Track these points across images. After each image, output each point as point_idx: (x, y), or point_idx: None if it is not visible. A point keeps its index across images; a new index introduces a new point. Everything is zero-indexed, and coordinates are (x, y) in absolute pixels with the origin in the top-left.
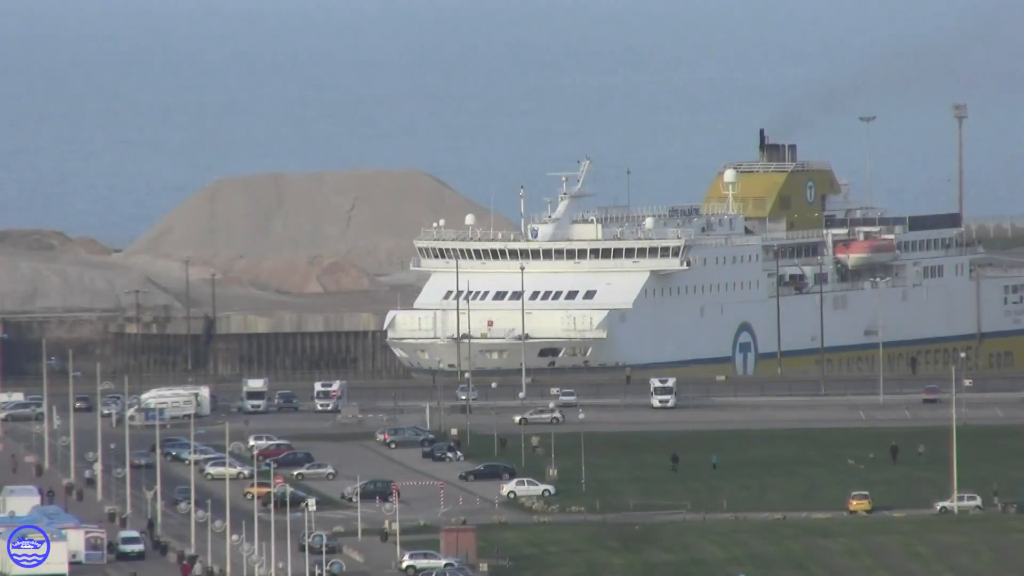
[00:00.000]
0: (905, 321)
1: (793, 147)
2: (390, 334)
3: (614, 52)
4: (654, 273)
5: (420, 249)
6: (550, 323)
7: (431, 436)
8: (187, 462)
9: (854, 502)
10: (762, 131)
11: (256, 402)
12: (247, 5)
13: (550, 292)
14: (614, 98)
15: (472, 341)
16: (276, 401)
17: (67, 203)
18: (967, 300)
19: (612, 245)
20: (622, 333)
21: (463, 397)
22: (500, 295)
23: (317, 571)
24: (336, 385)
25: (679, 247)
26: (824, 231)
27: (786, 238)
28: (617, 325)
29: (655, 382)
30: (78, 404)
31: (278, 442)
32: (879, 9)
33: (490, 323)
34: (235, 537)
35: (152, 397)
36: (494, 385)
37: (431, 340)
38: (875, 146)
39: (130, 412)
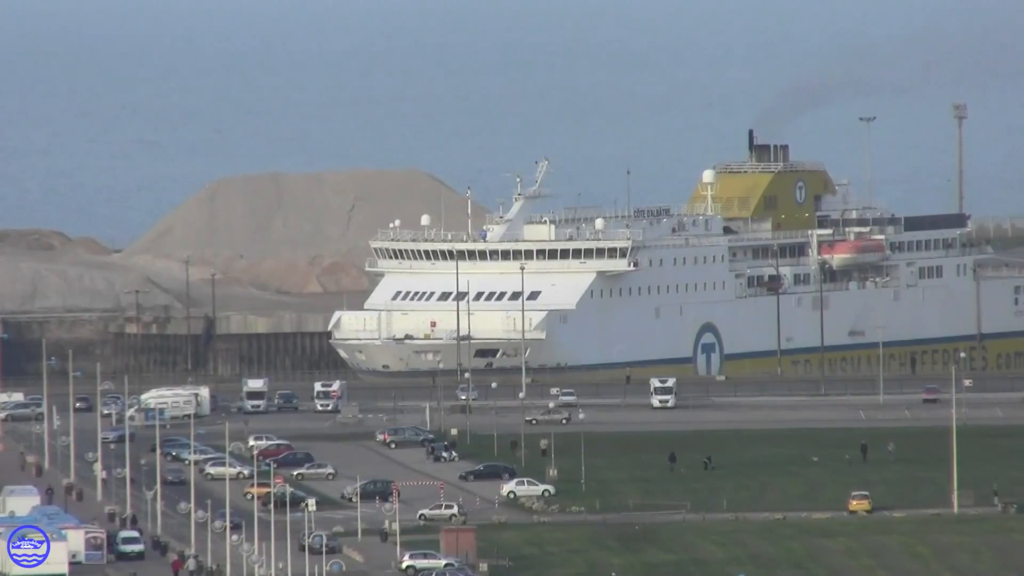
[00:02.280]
0: (897, 322)
1: (785, 147)
2: (336, 335)
3: (614, 52)
4: (601, 274)
5: (375, 250)
6: (491, 324)
7: (431, 436)
8: (187, 462)
9: (854, 502)
10: (751, 131)
11: (256, 402)
12: (247, 5)
13: (494, 293)
14: (615, 98)
15: (407, 342)
16: (276, 401)
17: (67, 203)
18: (968, 301)
19: (559, 246)
20: (563, 334)
21: (463, 397)
22: (445, 296)
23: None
24: (336, 385)
25: (626, 248)
26: (809, 232)
27: (771, 238)
28: (557, 326)
29: (655, 382)
30: (78, 404)
31: (278, 442)
32: (879, 6)
33: (433, 324)
34: (235, 537)
35: (152, 397)
36: (494, 385)
37: (367, 341)
38: (876, 146)
39: (130, 412)
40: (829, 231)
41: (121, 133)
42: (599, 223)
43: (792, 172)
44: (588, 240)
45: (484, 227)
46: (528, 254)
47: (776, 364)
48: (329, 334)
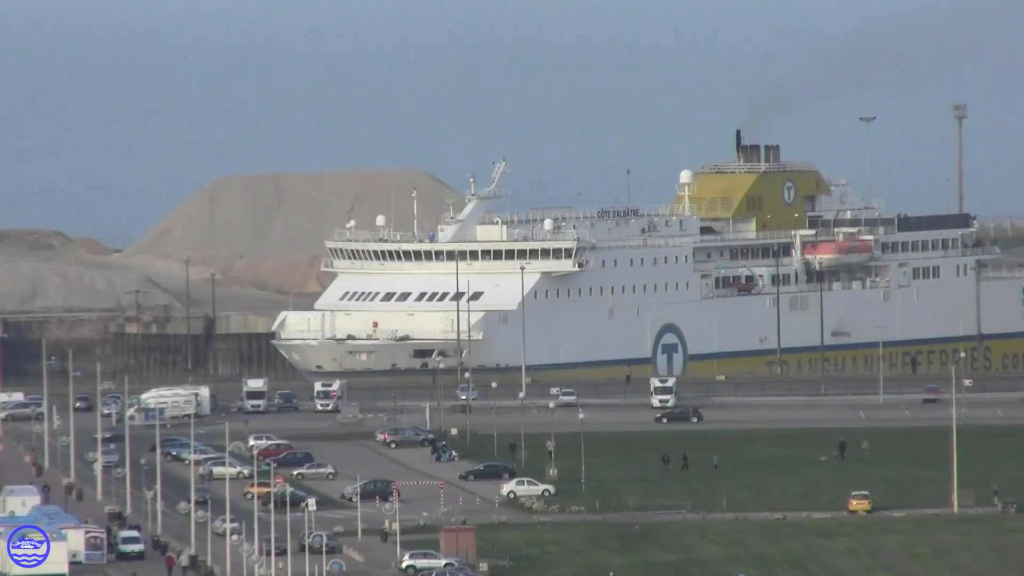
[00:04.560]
0: (888, 322)
1: (776, 148)
2: (281, 335)
3: (617, 52)
4: (546, 275)
5: (330, 250)
6: (430, 324)
7: (431, 436)
8: (187, 462)
9: (854, 502)
10: (738, 132)
11: (256, 402)
12: (248, 5)
13: (436, 294)
14: (617, 97)
15: (349, 342)
16: (276, 401)
17: (67, 203)
18: (969, 301)
19: (504, 247)
20: (503, 334)
21: (463, 397)
22: (388, 296)
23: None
24: (336, 385)
25: (571, 248)
26: (793, 232)
27: (753, 239)
28: (495, 326)
29: (655, 382)
30: (78, 404)
31: (278, 442)
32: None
33: (375, 324)
34: (235, 537)
35: (152, 397)
36: (494, 385)
37: (301, 342)
38: (875, 147)
39: (130, 412)
40: (812, 231)
41: (121, 133)
42: (547, 224)
43: (780, 172)
44: (532, 241)
45: (439, 227)
46: (473, 255)
47: (764, 364)
48: (273, 334)
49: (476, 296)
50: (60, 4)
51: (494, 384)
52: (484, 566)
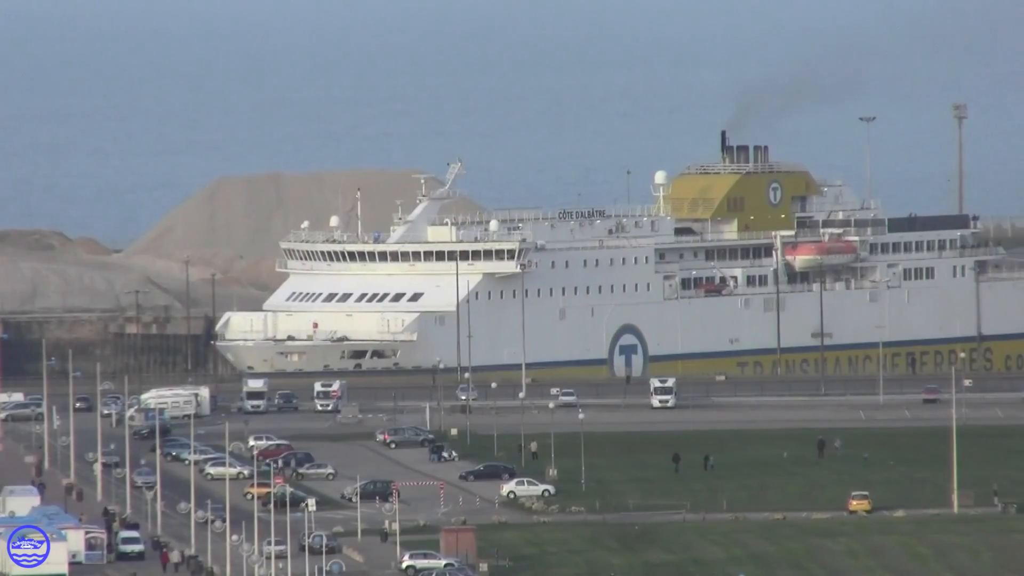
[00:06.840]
0: (878, 323)
1: (764, 148)
2: (224, 335)
3: (617, 51)
4: (489, 275)
5: (284, 250)
6: (367, 325)
7: (431, 436)
8: (187, 462)
9: (854, 502)
10: (723, 133)
11: (256, 402)
12: (247, 5)
13: (377, 295)
14: (620, 97)
15: (279, 342)
16: (276, 401)
17: (67, 203)
18: (967, 301)
19: (447, 248)
20: (439, 335)
21: (463, 397)
22: (331, 297)
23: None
24: (336, 385)
25: (515, 250)
26: (773, 233)
27: (735, 240)
28: (431, 327)
29: (655, 382)
30: (78, 404)
31: (278, 442)
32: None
33: (315, 325)
34: (235, 537)
35: (152, 397)
36: (494, 385)
37: (234, 343)
38: (876, 147)
39: (130, 412)
40: (792, 232)
41: (121, 133)
42: (492, 225)
43: (765, 173)
44: (475, 242)
45: (391, 227)
46: (417, 256)
47: (735, 365)
48: (214, 335)
49: (416, 297)
50: (60, 4)
51: (494, 384)
52: (484, 566)
